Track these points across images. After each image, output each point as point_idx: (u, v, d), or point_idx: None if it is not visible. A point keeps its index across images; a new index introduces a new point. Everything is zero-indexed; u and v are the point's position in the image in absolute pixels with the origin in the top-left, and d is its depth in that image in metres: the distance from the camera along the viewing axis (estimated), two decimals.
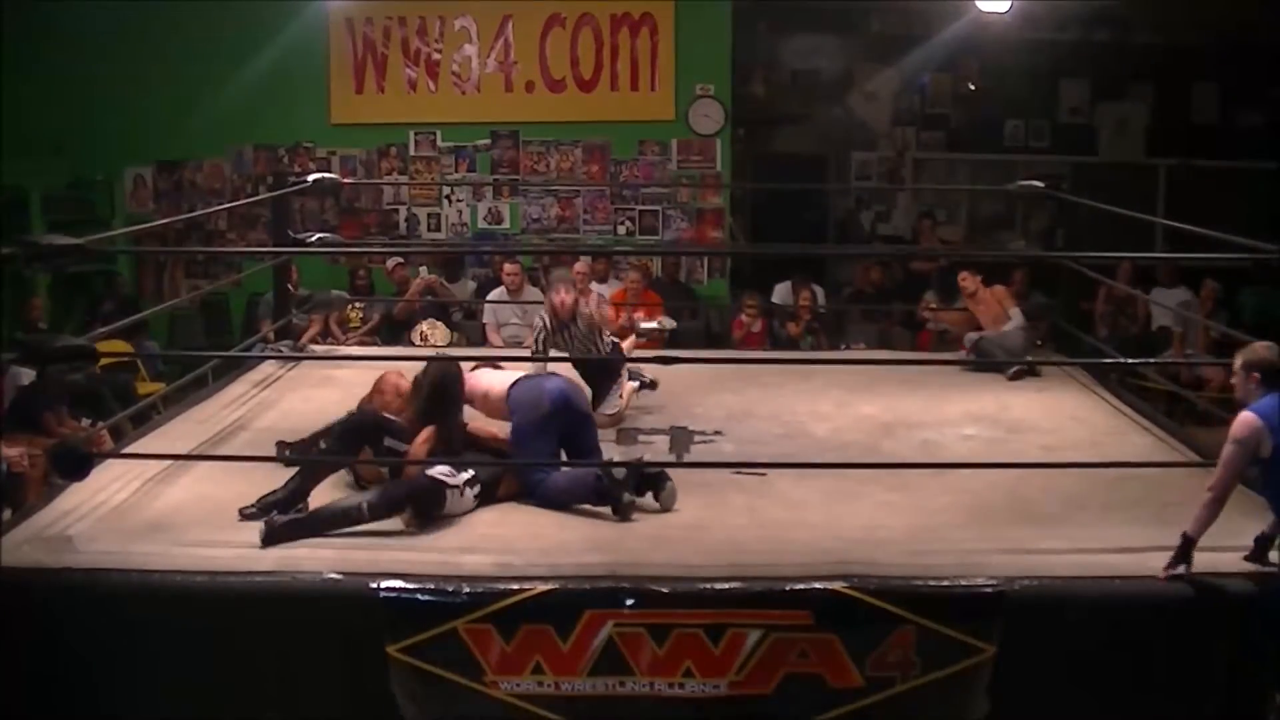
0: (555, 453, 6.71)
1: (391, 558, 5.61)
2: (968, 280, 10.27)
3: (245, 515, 6.12)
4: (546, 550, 5.79)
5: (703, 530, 6.14)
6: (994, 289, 10.27)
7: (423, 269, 13.59)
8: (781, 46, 15.47)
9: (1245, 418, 5.54)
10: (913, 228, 15.47)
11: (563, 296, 8.26)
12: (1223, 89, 15.54)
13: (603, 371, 8.33)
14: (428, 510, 6.08)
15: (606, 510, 6.34)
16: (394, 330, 12.65)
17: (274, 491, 6.19)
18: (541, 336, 8.36)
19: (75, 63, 13.60)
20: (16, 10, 12.07)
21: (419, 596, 5.33)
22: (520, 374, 7.10)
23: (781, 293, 13.25)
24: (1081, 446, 7.64)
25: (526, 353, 9.40)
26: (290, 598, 5.41)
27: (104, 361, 10.95)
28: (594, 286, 12.82)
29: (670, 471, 6.59)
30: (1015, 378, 9.31)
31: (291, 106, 14.18)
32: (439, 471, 6.15)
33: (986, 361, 9.61)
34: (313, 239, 10.36)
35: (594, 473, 6.43)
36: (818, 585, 5.37)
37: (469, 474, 6.24)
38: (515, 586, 5.34)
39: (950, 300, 11.73)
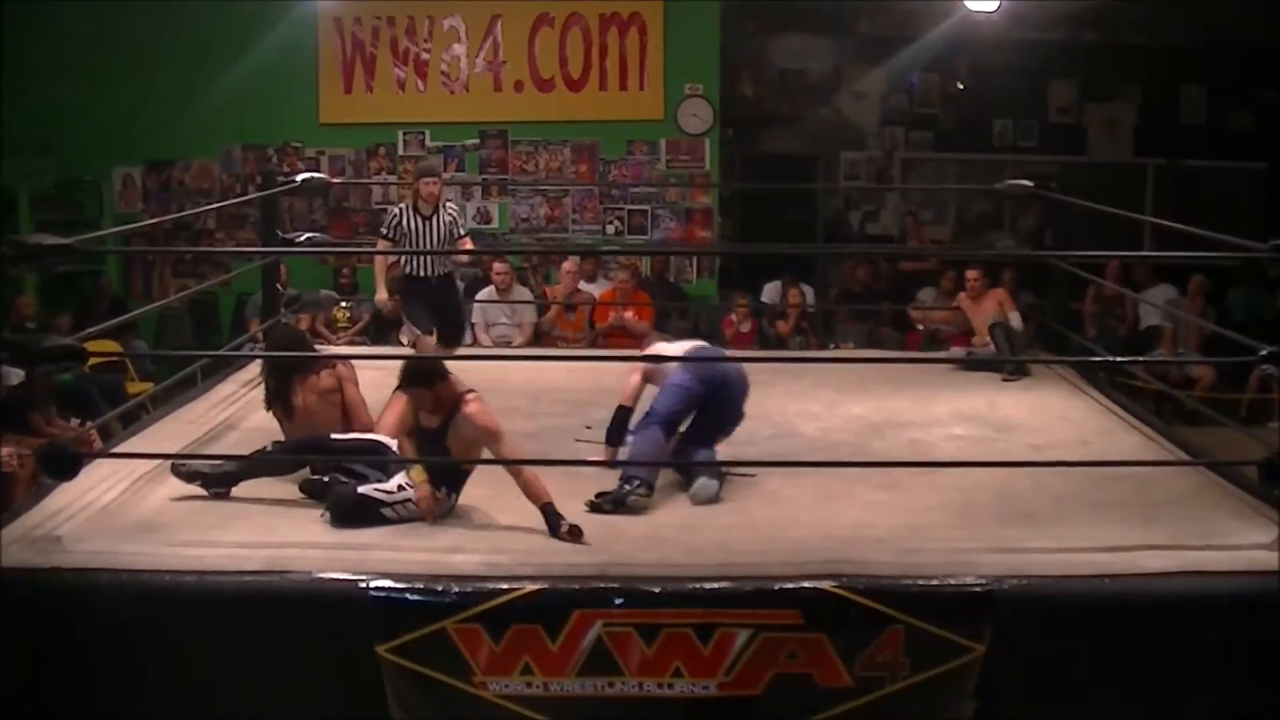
0: (681, 419, 6.94)
1: (380, 557, 5.60)
2: (975, 280, 10.28)
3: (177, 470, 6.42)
4: (535, 550, 5.78)
5: (692, 530, 6.14)
6: (995, 291, 10.30)
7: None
8: (770, 46, 15.47)
9: None
10: (900, 226, 15.49)
11: (431, 188, 8.69)
12: (1211, 90, 15.56)
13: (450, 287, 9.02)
14: (351, 523, 6.10)
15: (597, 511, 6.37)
16: (382, 330, 12.64)
17: (217, 463, 6.37)
18: (395, 221, 8.79)
19: (63, 63, 13.58)
20: (4, 11, 12.04)
21: (408, 596, 5.33)
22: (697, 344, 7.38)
23: (771, 292, 13.27)
24: (1070, 446, 7.65)
25: (517, 352, 9.53)
26: (279, 597, 5.40)
27: (92, 361, 10.93)
28: (583, 285, 12.83)
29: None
30: (1011, 378, 9.31)
31: (280, 106, 14.16)
32: (372, 488, 6.18)
33: (976, 361, 9.63)
34: (301, 239, 10.35)
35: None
36: (807, 585, 5.37)
37: (398, 481, 6.23)
38: (504, 586, 5.34)
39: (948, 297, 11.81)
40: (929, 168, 15.93)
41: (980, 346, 10.01)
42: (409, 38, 14.12)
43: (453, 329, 9.10)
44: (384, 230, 8.94)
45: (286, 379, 6.98)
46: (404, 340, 12.21)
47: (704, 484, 6.62)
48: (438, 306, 8.87)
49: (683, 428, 7.04)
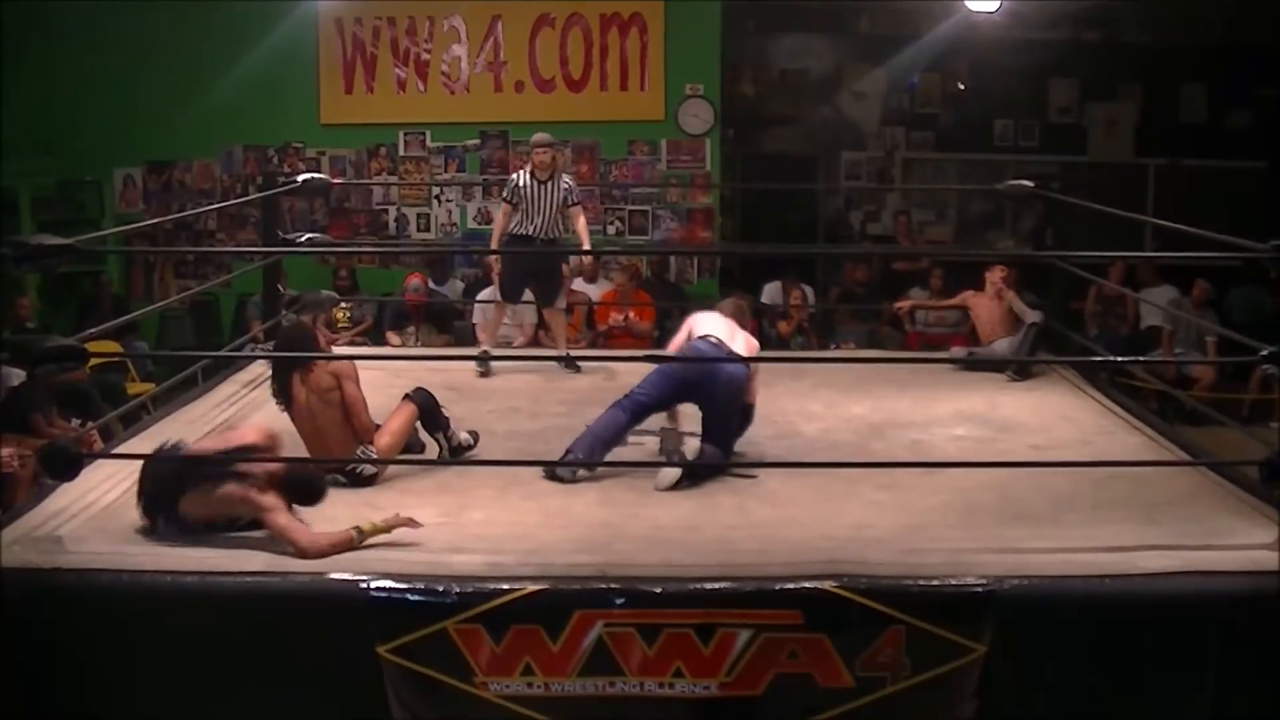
0: (658, 404, 7.20)
1: (381, 557, 5.60)
2: (997, 276, 10.21)
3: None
4: (536, 550, 5.78)
5: (693, 530, 6.14)
6: (1011, 293, 10.25)
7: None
8: (771, 46, 15.47)
9: None
10: (894, 225, 15.49)
11: (542, 156, 9.62)
12: (1211, 89, 15.56)
13: (553, 262, 9.85)
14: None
15: (597, 510, 6.39)
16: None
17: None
18: (515, 185, 9.60)
19: (64, 63, 13.61)
20: (5, 11, 12.05)
21: (409, 596, 5.32)
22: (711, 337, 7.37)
23: (771, 292, 13.27)
24: (1071, 445, 7.65)
25: (516, 353, 9.59)
26: (280, 598, 5.40)
27: (93, 362, 10.93)
28: (582, 285, 12.82)
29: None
30: (1017, 378, 9.31)
31: (281, 107, 14.18)
32: None
33: (977, 361, 9.63)
34: (302, 239, 10.35)
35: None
36: (808, 585, 5.35)
37: None
38: (505, 586, 5.32)
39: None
40: (929, 167, 15.92)
41: (983, 347, 10.00)
42: (409, 38, 14.13)
43: (549, 289, 9.87)
44: (505, 195, 9.71)
45: (286, 375, 6.99)
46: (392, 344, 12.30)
47: (665, 472, 6.78)
48: (537, 268, 9.73)
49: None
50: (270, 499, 5.79)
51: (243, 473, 5.84)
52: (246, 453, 5.99)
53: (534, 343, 11.92)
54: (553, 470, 6.87)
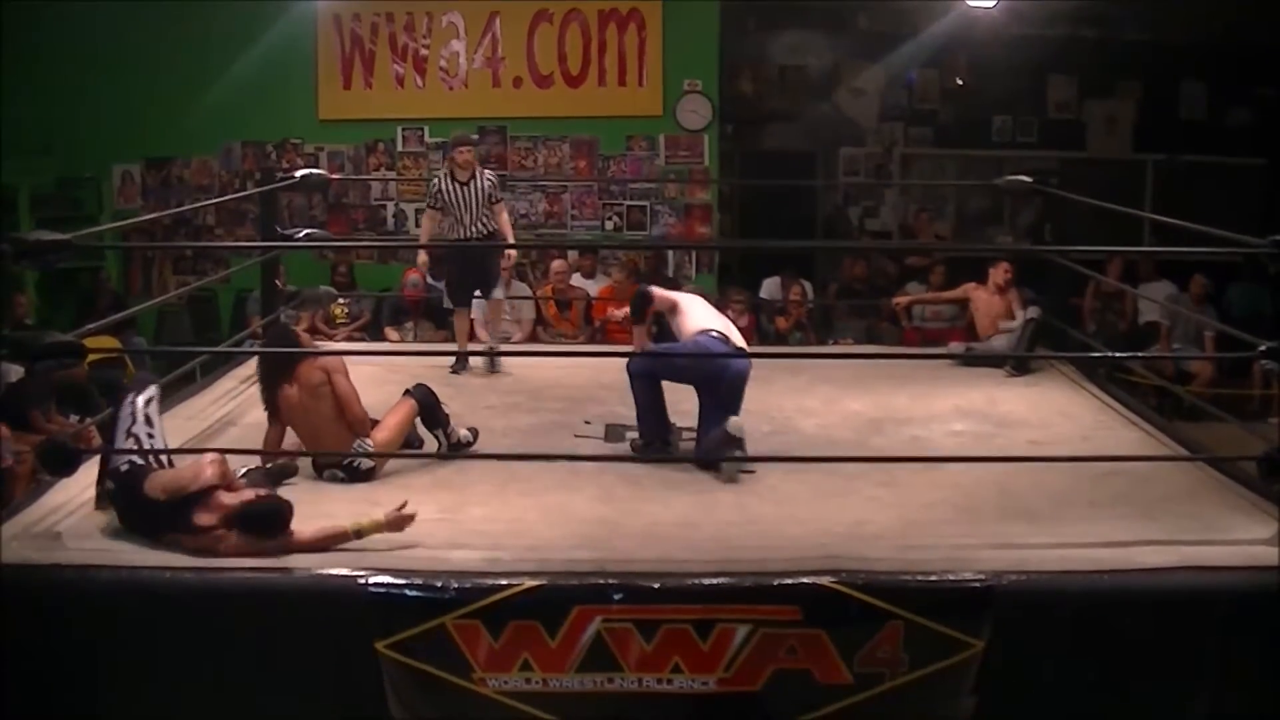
0: (672, 374, 7.32)
1: (379, 552, 5.60)
2: (1001, 274, 10.21)
3: None
4: (535, 546, 5.77)
5: (691, 526, 6.14)
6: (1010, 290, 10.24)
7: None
8: (769, 42, 15.46)
9: None
10: (904, 223, 15.46)
11: (465, 155, 9.44)
12: (1210, 86, 15.56)
13: (489, 256, 9.69)
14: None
15: (595, 506, 6.39)
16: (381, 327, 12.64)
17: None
18: (435, 190, 9.48)
19: (64, 61, 13.59)
20: (5, 10, 12.04)
21: (407, 592, 5.32)
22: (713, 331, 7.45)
23: (770, 288, 13.26)
24: (1070, 441, 7.65)
25: (516, 348, 9.58)
26: (278, 593, 5.40)
27: (92, 358, 10.91)
28: (580, 281, 12.81)
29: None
30: (1014, 373, 9.31)
31: (280, 103, 14.16)
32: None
33: (977, 357, 9.62)
34: (300, 235, 10.35)
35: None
36: (806, 580, 5.35)
37: None
38: (503, 582, 5.32)
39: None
40: (928, 163, 15.90)
41: (982, 343, 10.00)
42: (408, 34, 14.12)
43: (488, 282, 9.74)
44: (428, 201, 9.63)
45: (273, 381, 6.97)
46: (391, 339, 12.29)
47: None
48: (479, 265, 9.62)
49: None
50: (240, 547, 5.63)
51: (205, 526, 5.67)
52: (201, 492, 5.76)
53: (533, 338, 11.92)
54: (634, 446, 7.38)
